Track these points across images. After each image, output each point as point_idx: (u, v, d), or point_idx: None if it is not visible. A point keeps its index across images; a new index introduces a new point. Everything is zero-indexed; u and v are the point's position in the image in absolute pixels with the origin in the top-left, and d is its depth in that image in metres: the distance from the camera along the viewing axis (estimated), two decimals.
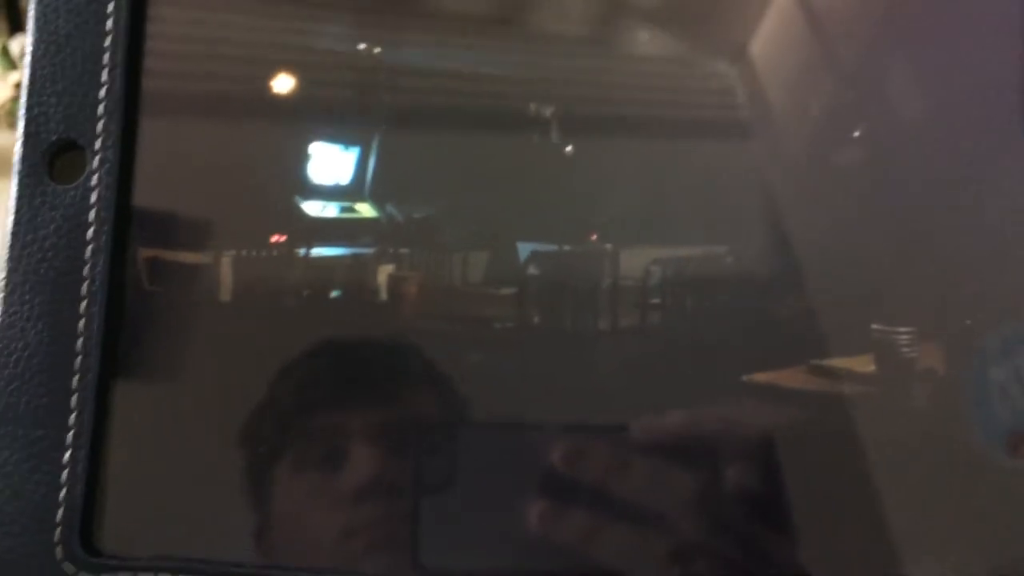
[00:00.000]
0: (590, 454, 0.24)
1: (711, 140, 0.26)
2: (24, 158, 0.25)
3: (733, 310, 0.25)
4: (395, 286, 0.25)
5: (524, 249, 0.25)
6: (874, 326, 0.24)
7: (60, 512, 0.23)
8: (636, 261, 0.25)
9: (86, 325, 0.24)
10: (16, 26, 0.66)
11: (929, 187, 0.25)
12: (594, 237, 0.25)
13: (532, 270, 0.25)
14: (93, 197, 0.24)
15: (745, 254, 0.25)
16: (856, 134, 0.25)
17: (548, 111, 0.26)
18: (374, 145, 0.26)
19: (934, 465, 0.24)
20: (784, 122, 0.26)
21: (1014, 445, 0.24)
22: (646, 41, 0.27)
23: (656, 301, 0.25)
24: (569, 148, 0.26)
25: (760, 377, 0.24)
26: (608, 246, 0.25)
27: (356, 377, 0.25)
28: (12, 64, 0.64)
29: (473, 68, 0.27)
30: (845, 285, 0.25)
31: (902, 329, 0.24)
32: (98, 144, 0.25)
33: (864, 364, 0.24)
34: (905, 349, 0.24)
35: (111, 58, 0.25)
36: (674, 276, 0.25)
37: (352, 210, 0.25)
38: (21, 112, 0.25)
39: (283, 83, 0.26)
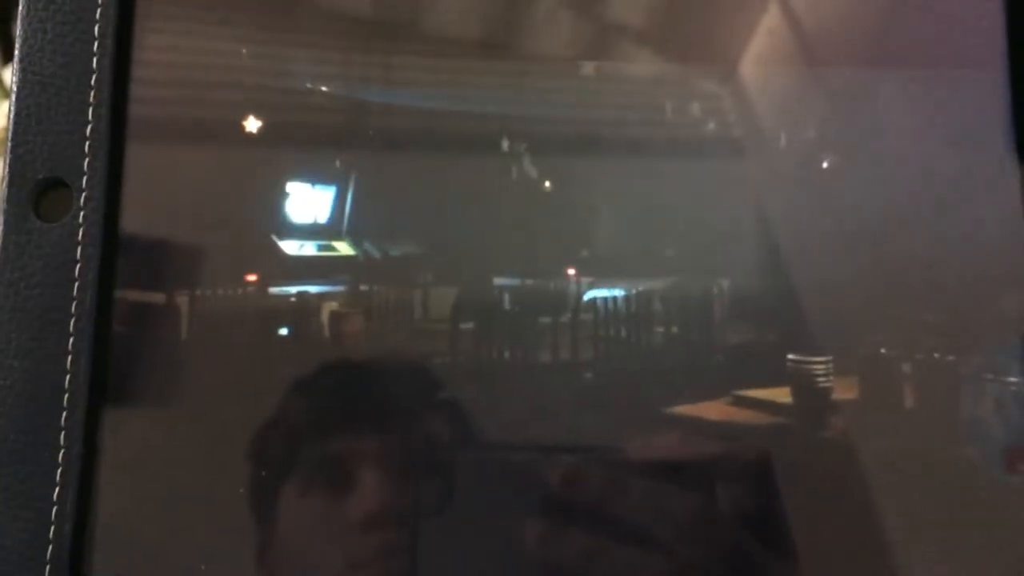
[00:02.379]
0: (585, 477, 0.24)
1: (662, 176, 0.26)
2: (10, 196, 0.25)
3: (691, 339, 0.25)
4: (374, 322, 0.25)
5: (499, 283, 0.26)
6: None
7: (49, 550, 0.23)
8: (572, 297, 0.26)
9: (73, 362, 0.24)
10: (10, 55, 0.66)
11: (898, 213, 0.25)
12: (571, 271, 0.26)
13: (505, 304, 0.25)
14: (79, 235, 0.25)
15: (711, 283, 0.26)
16: (802, 171, 0.26)
17: (524, 146, 0.26)
18: (359, 181, 0.26)
19: (932, 482, 0.24)
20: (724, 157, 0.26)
21: (1011, 461, 0.24)
22: (630, 67, 0.27)
23: (589, 335, 0.25)
24: (548, 183, 0.26)
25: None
26: (572, 280, 0.26)
27: (348, 409, 0.25)
28: (7, 93, 0.65)
29: (457, 104, 0.27)
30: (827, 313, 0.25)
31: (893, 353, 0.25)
32: (84, 182, 0.25)
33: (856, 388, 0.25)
34: (895, 372, 0.25)
35: (96, 96, 0.25)
36: (632, 309, 0.26)
37: (332, 247, 0.26)
38: (7, 150, 0.25)
39: (269, 119, 0.26)
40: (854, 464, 0.24)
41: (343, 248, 0.26)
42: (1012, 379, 0.24)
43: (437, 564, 0.24)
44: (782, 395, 0.25)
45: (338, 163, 0.26)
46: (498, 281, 0.25)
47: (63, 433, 0.24)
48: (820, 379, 0.25)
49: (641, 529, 0.23)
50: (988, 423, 0.24)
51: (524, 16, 0.27)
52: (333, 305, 0.25)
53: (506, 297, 0.25)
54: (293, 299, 0.25)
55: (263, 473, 0.24)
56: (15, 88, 0.25)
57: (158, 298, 0.25)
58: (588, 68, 0.27)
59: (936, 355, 0.24)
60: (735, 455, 0.24)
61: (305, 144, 0.26)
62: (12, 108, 0.25)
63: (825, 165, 0.26)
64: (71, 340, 0.24)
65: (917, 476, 0.24)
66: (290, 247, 0.26)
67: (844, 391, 0.25)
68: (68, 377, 0.24)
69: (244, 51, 0.27)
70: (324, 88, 0.27)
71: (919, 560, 0.23)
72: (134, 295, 0.25)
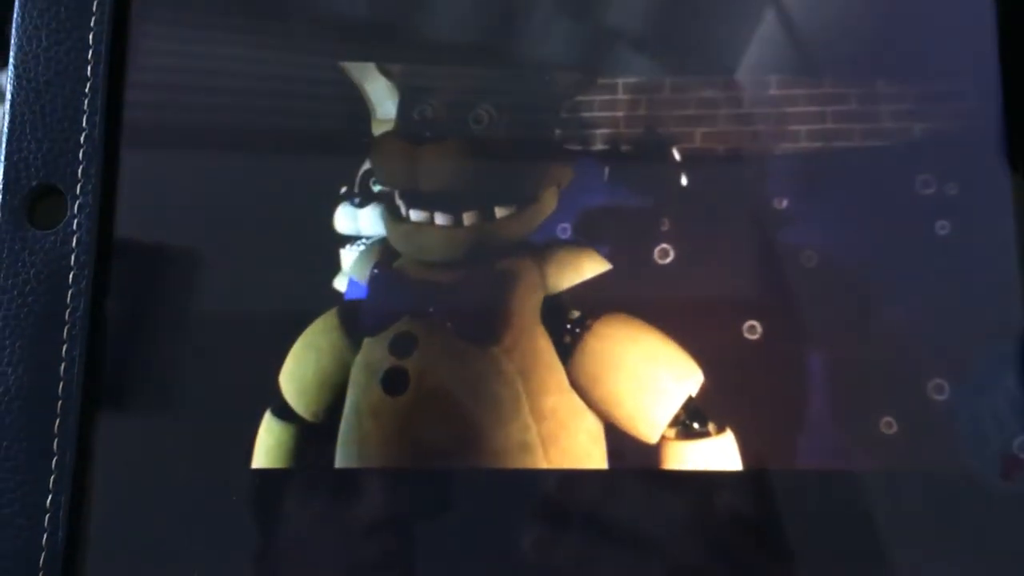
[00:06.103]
0: (583, 485, 0.24)
1: None
2: (4, 203, 0.25)
3: None
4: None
5: None
6: None
7: (42, 558, 0.23)
8: None
9: (67, 369, 0.24)
10: (5, 60, 0.66)
11: (887, 221, 0.25)
12: None
13: None
14: (73, 242, 0.25)
15: None
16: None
17: None
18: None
19: (928, 491, 0.24)
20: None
21: (1008, 469, 0.24)
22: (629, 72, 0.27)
23: None
24: None
25: None
26: None
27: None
28: (1, 99, 0.64)
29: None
30: None
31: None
32: (78, 189, 0.25)
33: None
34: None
35: (91, 103, 0.25)
36: None
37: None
38: (1, 156, 0.25)
39: (264, 125, 0.26)
40: (849, 473, 0.24)
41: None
42: (1007, 387, 0.24)
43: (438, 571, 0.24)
44: None
45: (335, 168, 0.26)
46: None
47: (56, 440, 0.24)
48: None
49: (638, 536, 0.23)
50: (984, 431, 0.24)
51: (519, 23, 0.27)
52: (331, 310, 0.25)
53: None
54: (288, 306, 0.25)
55: (258, 481, 0.24)
56: (10, 95, 0.25)
57: (152, 305, 0.25)
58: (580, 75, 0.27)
59: (929, 364, 0.24)
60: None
61: (303, 149, 0.26)
62: (7, 115, 0.25)
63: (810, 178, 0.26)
64: (65, 347, 0.24)
65: (913, 484, 0.24)
66: (287, 253, 0.26)
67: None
68: (61, 384, 0.24)
69: (239, 57, 0.27)
70: (320, 92, 0.27)
71: (914, 568, 0.23)
72: (128, 302, 0.25)
